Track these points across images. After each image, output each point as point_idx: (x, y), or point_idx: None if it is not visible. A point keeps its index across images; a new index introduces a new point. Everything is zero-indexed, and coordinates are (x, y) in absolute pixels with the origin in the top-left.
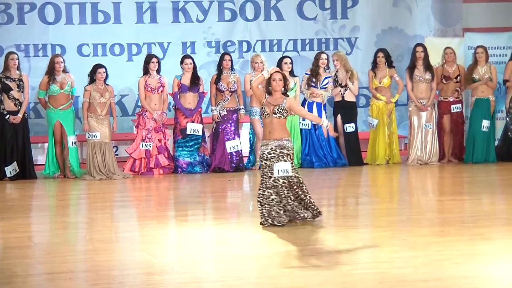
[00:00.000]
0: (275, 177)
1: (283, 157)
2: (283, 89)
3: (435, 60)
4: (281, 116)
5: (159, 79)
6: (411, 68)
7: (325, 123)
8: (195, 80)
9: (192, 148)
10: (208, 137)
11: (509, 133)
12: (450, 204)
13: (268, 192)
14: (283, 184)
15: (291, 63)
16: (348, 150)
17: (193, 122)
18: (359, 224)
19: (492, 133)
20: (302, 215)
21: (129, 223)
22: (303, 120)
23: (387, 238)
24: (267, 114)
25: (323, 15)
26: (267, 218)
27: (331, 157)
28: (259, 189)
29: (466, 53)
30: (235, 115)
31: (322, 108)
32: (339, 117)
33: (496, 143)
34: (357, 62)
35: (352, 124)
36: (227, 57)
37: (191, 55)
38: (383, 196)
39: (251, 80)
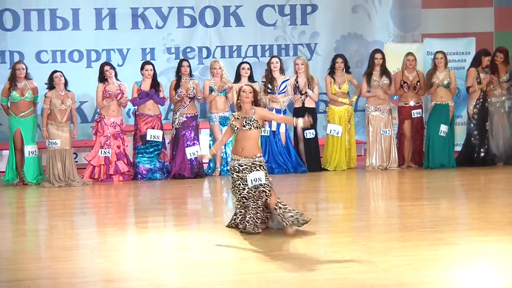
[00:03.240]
0: (249, 188)
1: (255, 167)
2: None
3: (395, 66)
4: (251, 128)
5: (119, 85)
6: (369, 73)
7: (300, 122)
8: (155, 86)
9: (152, 155)
10: (168, 143)
11: (472, 139)
12: (410, 209)
13: (244, 202)
14: (255, 195)
15: (249, 68)
16: (307, 156)
17: (153, 128)
18: (319, 230)
19: (451, 138)
20: (270, 224)
21: (88, 230)
22: (263, 126)
23: (347, 244)
24: (237, 128)
25: (283, 21)
26: (251, 223)
27: (291, 163)
28: (236, 201)
29: (425, 58)
30: (195, 121)
31: (282, 115)
32: (299, 122)
33: (457, 148)
34: (316, 68)
35: (312, 131)
36: (185, 63)
37: (151, 61)
38: (343, 201)
39: (210, 86)
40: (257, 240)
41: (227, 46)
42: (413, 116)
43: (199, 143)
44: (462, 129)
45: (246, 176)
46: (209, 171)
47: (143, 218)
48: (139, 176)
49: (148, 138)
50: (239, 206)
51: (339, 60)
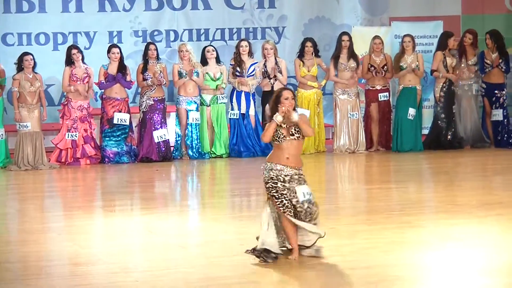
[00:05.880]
0: (300, 202)
1: (303, 181)
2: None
3: (363, 49)
4: (299, 137)
5: (85, 69)
6: (336, 56)
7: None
8: (122, 69)
9: (119, 138)
10: (135, 126)
11: (439, 122)
12: (377, 192)
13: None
14: (307, 210)
15: (214, 50)
16: None
17: (120, 112)
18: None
19: (418, 121)
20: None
21: (56, 213)
22: (232, 109)
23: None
24: (284, 136)
25: (251, 4)
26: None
27: (259, 147)
28: (284, 211)
29: (393, 42)
30: (162, 104)
31: (251, 98)
32: (267, 106)
33: (424, 132)
34: (285, 51)
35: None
36: (152, 46)
37: (118, 45)
38: (311, 185)
39: (179, 70)
40: (225, 224)
41: (195, 30)
42: (380, 99)
43: (166, 126)
44: (429, 113)
45: (294, 187)
46: (176, 153)
47: (110, 202)
48: (106, 159)
49: (115, 121)
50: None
51: (309, 44)
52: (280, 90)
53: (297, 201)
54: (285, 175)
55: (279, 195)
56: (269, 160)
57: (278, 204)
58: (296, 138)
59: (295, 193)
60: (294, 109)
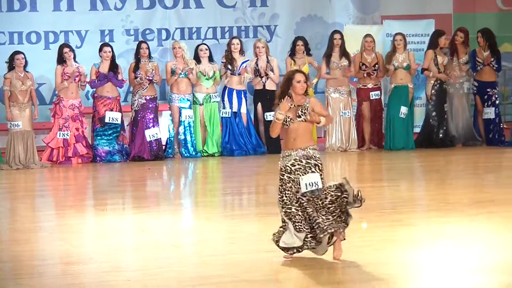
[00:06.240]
0: (302, 193)
1: (310, 168)
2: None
3: (355, 48)
4: (306, 118)
5: (77, 67)
6: (328, 55)
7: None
8: (114, 68)
9: (111, 137)
10: (127, 125)
11: (430, 120)
12: (369, 191)
13: (295, 209)
14: (308, 201)
15: (208, 49)
16: (267, 138)
17: (111, 110)
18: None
19: (410, 120)
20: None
21: (47, 212)
22: (223, 107)
23: None
24: (290, 119)
25: (243, 3)
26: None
27: (251, 145)
28: (283, 207)
29: (384, 40)
30: (154, 103)
31: (243, 96)
32: (259, 105)
33: (416, 130)
34: (276, 49)
35: (273, 113)
36: (144, 45)
37: (110, 43)
38: None
39: (172, 68)
40: (216, 222)
41: (187, 28)
42: (371, 98)
43: (158, 125)
44: (421, 111)
45: (298, 178)
46: (169, 151)
47: (102, 201)
48: (98, 158)
49: (106, 120)
50: (293, 216)
51: (300, 42)
52: (293, 72)
53: (302, 193)
54: (292, 164)
55: (283, 189)
56: (282, 148)
57: (279, 199)
58: (303, 120)
59: (299, 184)
60: (306, 93)
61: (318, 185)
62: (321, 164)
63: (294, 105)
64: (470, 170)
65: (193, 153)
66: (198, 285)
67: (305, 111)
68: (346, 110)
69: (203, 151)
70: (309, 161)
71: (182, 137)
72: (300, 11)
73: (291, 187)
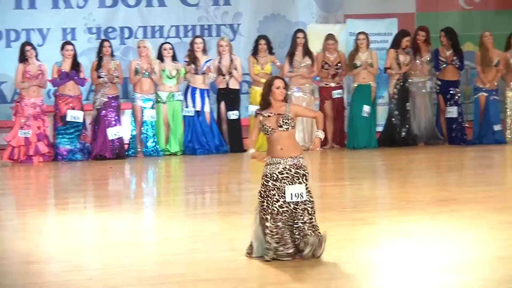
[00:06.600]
0: (284, 202)
1: (298, 179)
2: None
3: (318, 47)
4: (288, 128)
5: (39, 66)
6: (291, 53)
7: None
8: (76, 66)
9: (72, 135)
10: (89, 124)
11: (392, 119)
12: (331, 189)
13: (272, 222)
14: (293, 210)
15: (171, 48)
16: (230, 137)
17: (73, 109)
18: (242, 211)
19: (373, 119)
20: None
21: (8, 211)
22: (186, 106)
23: None
24: (272, 129)
25: (206, 1)
26: (277, 249)
27: (214, 144)
28: (262, 217)
29: (347, 39)
30: (116, 102)
31: (206, 95)
32: (222, 104)
33: (379, 129)
34: (239, 48)
35: (236, 112)
36: (106, 43)
37: (72, 42)
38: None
39: (136, 67)
40: (178, 221)
41: (150, 27)
42: (333, 97)
43: (120, 123)
44: (384, 110)
45: (284, 187)
46: (131, 150)
47: (63, 200)
48: (59, 157)
49: (68, 119)
50: (269, 225)
51: (262, 41)
52: (272, 78)
53: (284, 201)
54: (280, 172)
55: (266, 195)
56: (268, 154)
57: (260, 203)
58: (285, 129)
59: (284, 193)
60: (285, 100)
61: (302, 197)
62: (308, 173)
63: (274, 114)
64: (432, 168)
65: (155, 152)
66: (160, 284)
67: (287, 121)
68: None
69: (165, 149)
70: (298, 171)
71: (145, 136)
72: (263, 10)
73: (274, 194)
